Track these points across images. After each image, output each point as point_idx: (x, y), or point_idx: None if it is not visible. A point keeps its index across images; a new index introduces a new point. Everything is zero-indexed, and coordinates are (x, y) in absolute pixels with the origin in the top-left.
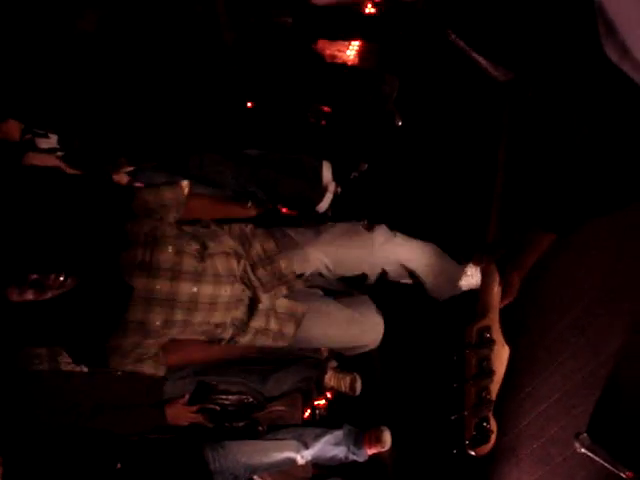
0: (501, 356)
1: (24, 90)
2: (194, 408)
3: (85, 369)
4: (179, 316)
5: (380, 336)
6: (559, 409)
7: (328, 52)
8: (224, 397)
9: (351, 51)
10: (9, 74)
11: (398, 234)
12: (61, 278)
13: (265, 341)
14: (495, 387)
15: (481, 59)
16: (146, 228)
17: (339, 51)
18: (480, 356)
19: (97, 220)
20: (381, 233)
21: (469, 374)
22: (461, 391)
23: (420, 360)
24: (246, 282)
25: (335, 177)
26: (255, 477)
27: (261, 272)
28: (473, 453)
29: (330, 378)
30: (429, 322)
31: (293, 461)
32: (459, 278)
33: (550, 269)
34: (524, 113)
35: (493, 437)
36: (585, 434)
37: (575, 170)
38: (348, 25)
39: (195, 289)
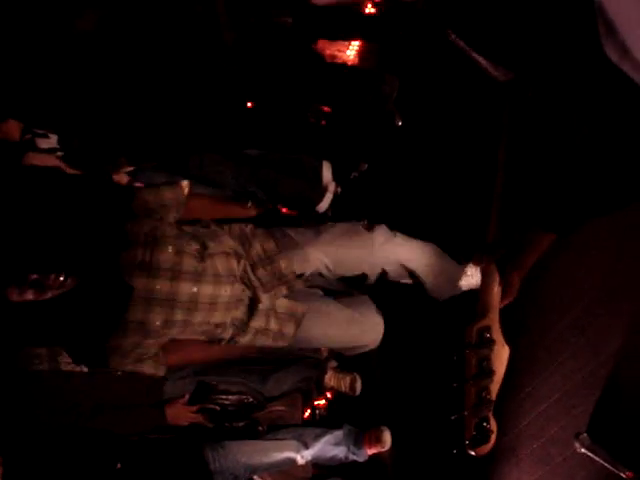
0: (501, 356)
1: (24, 90)
2: (194, 408)
3: (85, 369)
4: (179, 316)
5: (380, 336)
6: (559, 409)
7: (328, 52)
8: (224, 397)
9: (351, 51)
10: (9, 74)
11: (398, 234)
12: (61, 278)
13: (265, 341)
14: (495, 387)
15: (481, 59)
16: (146, 228)
17: (339, 51)
18: (480, 356)
19: (97, 220)
20: (381, 233)
21: (469, 374)
22: (461, 391)
23: (420, 360)
24: (246, 282)
25: (335, 177)
26: (255, 477)
27: (261, 272)
28: (473, 453)
29: (330, 378)
30: (429, 322)
31: (293, 461)
32: (459, 278)
33: (550, 269)
34: (524, 113)
35: (493, 437)
36: (585, 434)
37: (575, 170)
38: (348, 25)
39: (195, 289)
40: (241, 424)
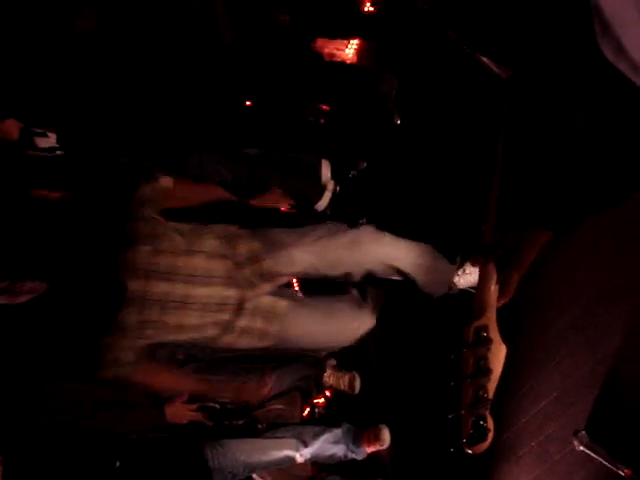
0: (498, 355)
1: (23, 89)
2: (193, 406)
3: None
4: (153, 316)
5: (357, 335)
6: (558, 407)
7: (327, 50)
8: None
9: (350, 49)
10: (8, 73)
11: (386, 234)
12: (29, 284)
13: (250, 341)
14: (492, 386)
15: (482, 57)
16: (124, 226)
17: (338, 49)
18: (477, 355)
19: (67, 221)
20: (366, 233)
21: (466, 373)
22: (458, 390)
23: (418, 359)
24: (231, 282)
25: (334, 176)
26: (254, 475)
27: (247, 271)
28: (470, 451)
29: (329, 376)
30: (427, 321)
31: (292, 459)
32: (452, 275)
33: (549, 268)
34: (522, 111)
35: (490, 435)
36: (584, 432)
37: (571, 168)
38: (347, 23)
39: (168, 288)
40: (240, 422)
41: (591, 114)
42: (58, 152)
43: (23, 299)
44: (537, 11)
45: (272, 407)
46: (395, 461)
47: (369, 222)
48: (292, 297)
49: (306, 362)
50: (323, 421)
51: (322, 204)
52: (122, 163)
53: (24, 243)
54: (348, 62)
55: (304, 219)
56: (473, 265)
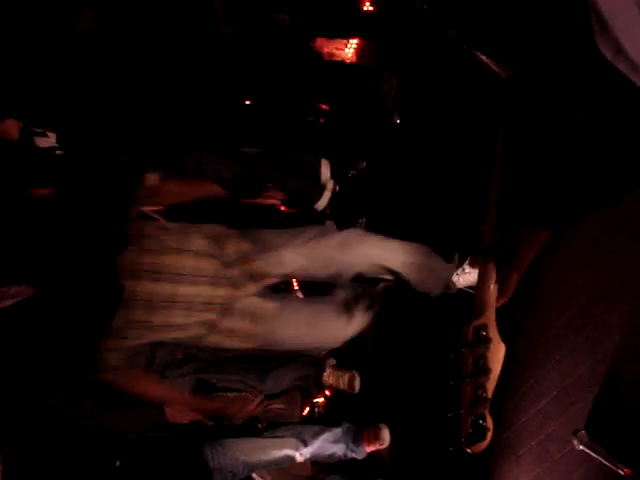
0: (497, 354)
1: (23, 89)
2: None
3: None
4: (139, 316)
5: (344, 337)
6: (557, 406)
7: (326, 50)
8: (223, 394)
9: (349, 49)
10: (8, 73)
11: (376, 235)
12: (15, 288)
13: (235, 342)
14: (491, 385)
15: (482, 55)
16: (109, 226)
17: (337, 49)
18: (476, 354)
19: (55, 223)
20: (356, 234)
21: (465, 372)
22: (458, 389)
23: (418, 358)
24: (218, 282)
25: (333, 175)
26: (254, 475)
27: (235, 271)
28: (469, 450)
29: (329, 376)
30: (426, 321)
31: (292, 459)
32: (448, 274)
33: (549, 268)
34: (521, 111)
35: (489, 435)
36: (583, 431)
37: (570, 166)
38: (346, 23)
39: (154, 288)
40: (240, 421)
41: (590, 112)
42: (58, 152)
43: (8, 303)
44: (536, 9)
45: (272, 406)
46: (395, 460)
47: (369, 221)
48: (279, 298)
49: (306, 361)
50: (323, 420)
51: (322, 203)
52: (121, 162)
53: (11, 246)
54: (348, 62)
55: (304, 218)
56: (472, 266)
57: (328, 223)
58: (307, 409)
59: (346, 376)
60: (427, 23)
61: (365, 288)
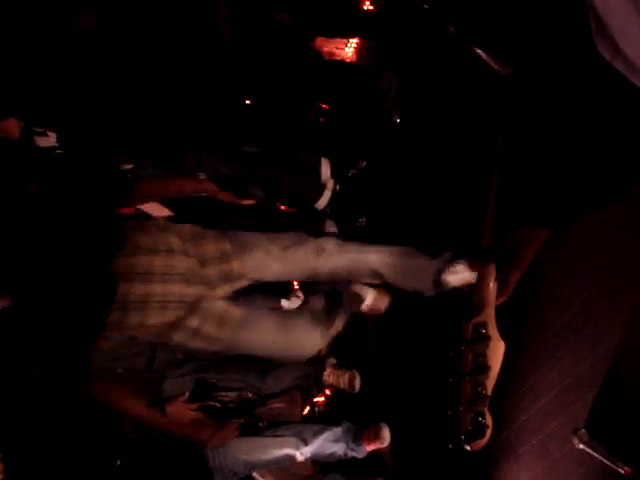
0: (497, 352)
1: (23, 88)
2: (194, 406)
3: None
4: (114, 317)
5: (315, 347)
6: (558, 405)
7: (326, 49)
8: (224, 394)
9: (349, 48)
10: (8, 72)
11: (352, 242)
12: None
13: (200, 344)
14: (491, 382)
15: (482, 53)
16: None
17: (337, 48)
18: (476, 352)
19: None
20: (330, 241)
21: (465, 370)
22: (457, 386)
23: (417, 356)
24: (190, 280)
25: (333, 174)
26: (254, 474)
27: (211, 270)
28: (468, 448)
29: (329, 375)
30: (426, 319)
31: (292, 458)
32: (434, 273)
33: (549, 266)
34: (521, 109)
35: (488, 432)
36: (583, 430)
37: (568, 164)
38: (346, 22)
39: (127, 289)
40: (241, 421)
41: (589, 111)
42: (58, 151)
43: None
44: (536, 8)
45: (272, 406)
46: (395, 459)
47: (368, 220)
48: (247, 306)
49: (306, 361)
50: (323, 420)
51: (322, 203)
52: (121, 161)
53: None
54: (347, 61)
55: (304, 218)
56: (472, 269)
57: (328, 222)
58: (307, 408)
59: (346, 375)
60: (427, 22)
61: (342, 295)
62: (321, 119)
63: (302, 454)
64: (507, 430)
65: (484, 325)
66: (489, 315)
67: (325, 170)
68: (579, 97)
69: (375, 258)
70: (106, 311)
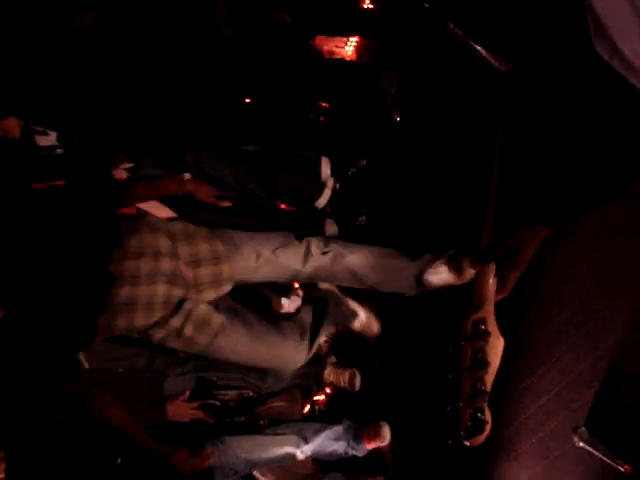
0: (496, 348)
1: (23, 87)
2: (195, 404)
3: (87, 365)
4: (102, 321)
5: (298, 362)
6: (558, 403)
7: (326, 48)
8: (224, 392)
9: (349, 47)
10: (8, 72)
11: (335, 243)
12: None
13: (178, 345)
14: (490, 378)
15: (481, 50)
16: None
17: (337, 47)
18: (475, 348)
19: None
20: (316, 244)
21: (464, 365)
22: (456, 382)
23: (417, 352)
24: (176, 282)
25: (334, 173)
26: (255, 472)
27: (203, 271)
28: (467, 443)
29: (329, 373)
30: (425, 315)
31: (293, 456)
32: (414, 274)
33: (549, 263)
34: (521, 106)
35: (488, 428)
36: (584, 428)
37: (568, 161)
38: (346, 21)
39: (116, 292)
40: (242, 419)
41: (588, 109)
42: (58, 150)
43: None
44: (535, 8)
45: (273, 404)
46: (396, 457)
47: (368, 219)
48: (229, 314)
49: None
50: (323, 418)
51: (322, 202)
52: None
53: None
54: (347, 60)
55: (304, 216)
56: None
57: (328, 221)
58: (308, 407)
59: (347, 374)
60: (427, 21)
61: (329, 308)
62: (321, 118)
63: (302, 452)
64: (507, 428)
65: (483, 321)
66: (488, 311)
67: (325, 169)
68: (578, 96)
69: (354, 258)
70: (96, 315)
